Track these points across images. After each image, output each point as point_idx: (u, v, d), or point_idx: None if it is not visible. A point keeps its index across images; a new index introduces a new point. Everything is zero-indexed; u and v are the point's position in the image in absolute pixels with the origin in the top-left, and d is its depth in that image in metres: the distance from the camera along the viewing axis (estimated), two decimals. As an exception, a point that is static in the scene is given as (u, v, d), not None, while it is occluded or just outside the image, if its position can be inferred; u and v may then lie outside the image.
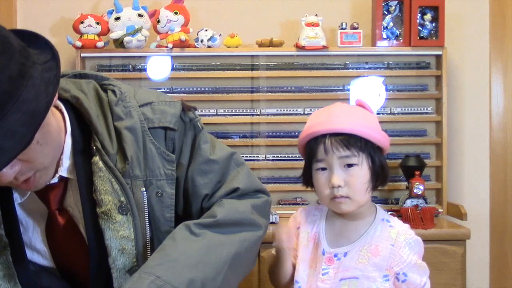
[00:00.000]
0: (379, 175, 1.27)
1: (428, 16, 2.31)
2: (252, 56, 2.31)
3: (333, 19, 2.34)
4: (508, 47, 2.47)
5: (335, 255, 1.26)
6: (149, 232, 1.15)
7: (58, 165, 1.11)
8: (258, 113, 2.31)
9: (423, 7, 2.32)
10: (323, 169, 1.25)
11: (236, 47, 2.29)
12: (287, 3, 2.45)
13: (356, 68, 2.33)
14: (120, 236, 1.11)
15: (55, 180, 1.12)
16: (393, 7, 2.34)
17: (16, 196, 1.16)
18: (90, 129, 1.12)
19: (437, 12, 2.31)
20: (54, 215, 1.15)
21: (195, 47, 2.28)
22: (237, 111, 2.30)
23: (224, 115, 2.30)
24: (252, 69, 2.31)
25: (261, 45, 2.30)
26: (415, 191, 2.14)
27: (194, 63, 2.29)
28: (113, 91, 1.19)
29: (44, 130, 1.00)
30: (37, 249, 1.19)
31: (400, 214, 2.07)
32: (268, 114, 2.31)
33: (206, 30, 2.27)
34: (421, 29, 2.32)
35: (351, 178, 1.23)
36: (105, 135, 1.12)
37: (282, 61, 2.31)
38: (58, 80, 0.96)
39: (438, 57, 2.32)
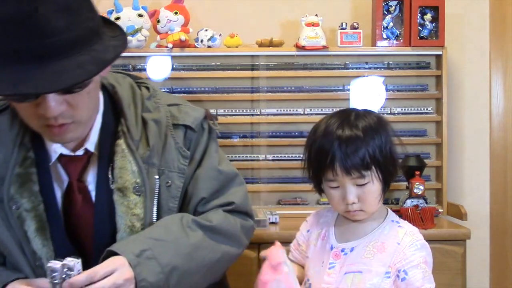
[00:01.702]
0: (390, 177, 1.28)
1: (428, 16, 2.31)
2: (252, 56, 2.31)
3: (333, 19, 2.34)
4: (508, 47, 2.47)
5: (342, 250, 1.29)
6: (155, 216, 1.23)
7: (85, 138, 1.22)
8: (258, 113, 2.31)
9: (423, 7, 2.32)
10: (336, 187, 1.26)
11: (236, 47, 2.29)
12: (287, 3, 2.45)
13: (356, 68, 2.33)
14: (132, 213, 1.20)
15: (81, 152, 1.22)
16: (393, 7, 2.34)
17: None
18: (119, 115, 1.25)
19: (437, 12, 2.31)
20: (73, 185, 1.23)
21: (195, 47, 2.27)
22: (237, 111, 2.30)
23: (224, 115, 2.29)
24: (252, 69, 2.31)
25: (261, 45, 2.30)
26: (415, 191, 2.13)
27: (194, 63, 2.29)
28: (147, 88, 1.34)
29: (94, 89, 1.14)
30: None
31: (400, 214, 2.07)
32: (268, 114, 2.31)
33: (206, 30, 2.27)
34: (421, 29, 2.32)
35: (364, 194, 1.25)
36: (133, 122, 1.25)
37: (282, 61, 2.31)
38: (121, 49, 1.10)
39: (438, 57, 2.32)
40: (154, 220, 1.23)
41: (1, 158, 1.20)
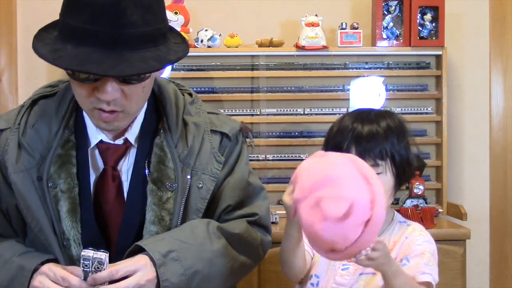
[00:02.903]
0: (403, 175, 1.28)
1: (428, 16, 2.32)
2: (252, 56, 2.31)
3: (333, 19, 2.34)
4: (508, 47, 2.47)
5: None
6: (181, 214, 1.27)
7: (127, 129, 1.27)
8: (258, 113, 2.31)
9: (423, 7, 2.32)
10: None
11: (236, 47, 2.29)
12: (287, 3, 2.45)
13: (356, 68, 2.33)
14: (163, 207, 1.25)
15: (121, 141, 1.28)
16: (393, 7, 2.34)
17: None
18: (162, 115, 1.31)
19: (437, 12, 2.31)
20: (107, 171, 1.27)
21: (195, 47, 2.27)
22: (237, 111, 2.30)
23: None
24: (252, 69, 2.31)
25: (261, 45, 2.30)
26: (415, 191, 2.14)
27: (194, 63, 2.29)
28: (190, 94, 1.41)
29: (149, 85, 1.21)
30: None
31: (400, 214, 2.07)
32: (268, 114, 2.31)
33: (206, 30, 2.27)
34: (421, 29, 2.32)
35: None
36: (174, 121, 1.31)
37: (282, 61, 2.31)
38: (183, 54, 1.23)
39: (438, 57, 2.32)
40: (180, 217, 1.27)
41: (45, 140, 1.26)
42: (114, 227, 1.26)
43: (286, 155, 2.32)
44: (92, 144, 1.28)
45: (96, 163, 1.29)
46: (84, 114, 1.27)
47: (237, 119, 2.26)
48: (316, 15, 2.27)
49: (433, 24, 2.32)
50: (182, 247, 1.19)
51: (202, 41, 2.26)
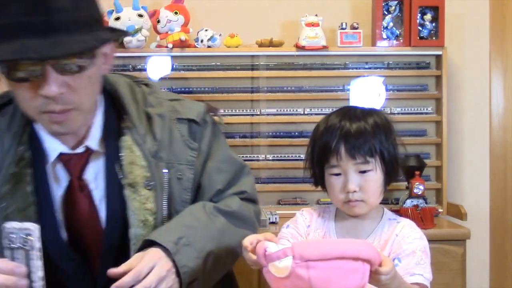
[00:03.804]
0: (392, 172, 1.28)
1: (428, 16, 2.32)
2: (252, 56, 2.31)
3: (333, 19, 2.34)
4: (508, 47, 2.47)
5: None
6: (166, 210, 1.24)
7: (85, 135, 1.21)
8: (258, 113, 2.31)
9: (423, 7, 2.32)
10: (338, 174, 1.26)
11: (236, 47, 2.29)
12: (287, 3, 2.45)
13: (356, 68, 2.33)
14: (144, 208, 1.20)
15: (81, 149, 1.21)
16: (393, 7, 2.34)
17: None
18: (121, 113, 1.25)
19: (437, 12, 2.31)
20: (73, 183, 1.21)
21: (195, 47, 2.28)
22: (237, 111, 2.30)
23: (224, 115, 2.29)
24: (252, 69, 2.31)
25: (261, 45, 2.30)
26: (415, 191, 2.14)
27: (194, 63, 2.29)
28: (146, 84, 1.35)
29: (95, 76, 1.14)
30: None
31: (400, 214, 2.07)
32: (268, 114, 2.31)
33: (206, 30, 2.27)
34: (421, 29, 2.32)
35: (366, 183, 1.24)
36: (136, 117, 1.25)
37: (282, 61, 2.31)
38: (121, 34, 1.22)
39: (438, 57, 2.32)
40: (165, 213, 1.24)
41: None
42: (93, 238, 1.22)
43: (286, 155, 2.32)
44: (52, 158, 1.20)
45: (59, 177, 1.22)
46: (39, 127, 1.19)
47: (237, 119, 2.30)
48: (316, 15, 2.27)
49: (433, 24, 2.32)
50: (190, 232, 1.18)
51: (202, 41, 2.26)
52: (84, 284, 1.22)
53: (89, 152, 1.22)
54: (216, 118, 1.39)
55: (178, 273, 1.13)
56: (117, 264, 1.09)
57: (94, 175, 1.22)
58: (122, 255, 1.18)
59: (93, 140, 1.21)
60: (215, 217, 1.25)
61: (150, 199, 1.21)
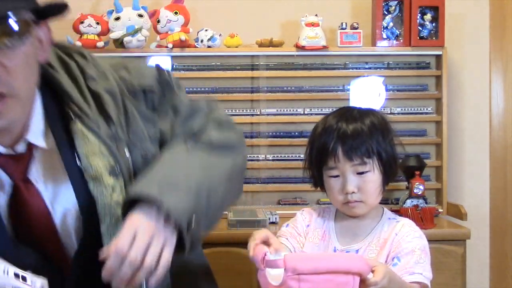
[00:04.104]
0: (390, 172, 1.28)
1: (428, 16, 2.32)
2: (252, 56, 2.31)
3: (333, 19, 2.34)
4: (508, 47, 2.47)
5: (347, 252, 1.28)
6: None
7: (24, 130, 1.03)
8: (258, 113, 2.31)
9: (423, 7, 2.32)
10: (336, 176, 1.26)
11: (236, 47, 2.29)
12: (287, 3, 2.45)
13: (356, 68, 2.33)
14: (114, 202, 1.04)
15: (23, 147, 1.04)
16: (393, 7, 2.34)
17: None
18: (62, 98, 1.06)
19: (437, 12, 2.31)
20: (20, 187, 1.05)
21: (195, 47, 2.27)
22: (237, 111, 2.30)
23: (224, 115, 2.30)
24: (252, 69, 2.31)
25: (261, 45, 2.30)
26: (415, 191, 2.14)
27: (194, 63, 2.29)
28: (81, 54, 1.13)
29: (32, 56, 1.00)
30: None
31: (400, 214, 2.07)
32: (268, 114, 2.31)
33: (206, 30, 2.27)
34: (421, 29, 2.32)
35: (364, 183, 1.25)
36: (80, 99, 1.06)
37: (282, 61, 2.31)
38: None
39: (438, 57, 2.32)
40: None
41: None
42: (53, 241, 1.07)
43: (286, 155, 2.32)
44: None
45: (1, 181, 1.05)
46: None
47: (237, 119, 2.29)
48: (316, 15, 2.27)
49: (433, 24, 2.32)
50: (171, 173, 1.03)
51: (202, 41, 2.26)
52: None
53: (31, 148, 1.05)
54: (167, 75, 1.21)
55: (172, 222, 0.98)
56: (93, 264, 0.98)
57: (42, 173, 1.06)
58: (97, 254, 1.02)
59: (36, 134, 1.04)
60: (194, 151, 1.10)
61: (117, 189, 1.05)
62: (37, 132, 1.04)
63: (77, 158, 1.06)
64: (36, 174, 1.06)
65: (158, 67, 1.20)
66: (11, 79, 0.95)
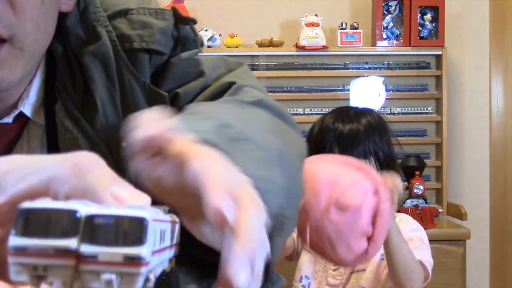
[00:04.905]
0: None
1: (428, 16, 2.32)
2: (252, 56, 2.31)
3: (333, 19, 2.34)
4: (508, 47, 2.47)
5: None
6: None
7: (20, 97, 0.73)
8: (258, 113, 2.31)
9: (423, 7, 2.32)
10: None
11: (236, 47, 2.29)
12: (287, 3, 2.45)
13: (356, 68, 2.33)
14: None
15: (9, 119, 0.74)
16: (393, 7, 2.34)
17: None
18: (51, 63, 0.75)
19: (437, 12, 2.31)
20: None
21: (195, 47, 2.27)
22: (237, 111, 2.30)
23: (224, 115, 2.30)
24: (252, 69, 2.30)
25: (261, 45, 2.30)
26: (415, 191, 2.14)
27: (194, 63, 2.29)
28: None
29: (50, 4, 0.67)
30: None
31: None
32: (268, 114, 2.31)
33: (206, 30, 2.27)
34: (421, 29, 2.32)
35: None
36: (65, 69, 0.73)
37: (282, 61, 2.31)
38: None
39: (438, 57, 2.32)
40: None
41: None
42: None
43: (286, 155, 2.31)
44: None
45: None
46: None
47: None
48: (316, 15, 2.27)
49: (433, 24, 2.32)
50: (235, 120, 0.56)
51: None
52: None
53: (21, 121, 0.75)
54: (190, 31, 0.80)
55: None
56: None
57: (30, 152, 0.75)
58: None
59: (29, 105, 0.74)
60: (250, 108, 0.68)
61: None
62: (30, 103, 0.73)
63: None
64: (23, 151, 0.76)
65: (177, 15, 0.81)
66: (17, 21, 0.64)
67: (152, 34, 0.76)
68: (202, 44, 0.81)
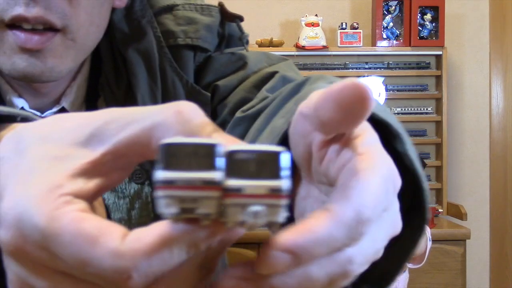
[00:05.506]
0: None
1: (428, 16, 2.32)
2: (252, 56, 2.31)
3: (333, 19, 2.34)
4: (508, 47, 2.47)
5: None
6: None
7: (64, 92, 0.71)
8: (258, 113, 2.31)
9: (423, 7, 2.32)
10: None
11: (236, 47, 2.29)
12: (287, 3, 2.45)
13: (356, 68, 2.33)
14: (129, 215, 0.73)
15: (51, 114, 0.70)
16: (393, 7, 2.34)
17: None
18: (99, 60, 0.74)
19: (437, 12, 2.31)
20: None
21: (195, 47, 2.28)
22: (237, 111, 2.30)
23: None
24: (252, 69, 2.31)
25: (261, 45, 2.30)
26: (415, 191, 2.14)
27: (194, 63, 2.29)
28: None
29: None
30: None
31: (400, 214, 2.08)
32: (268, 114, 2.31)
33: (206, 30, 2.28)
34: (421, 29, 2.32)
35: None
36: (110, 65, 0.72)
37: (282, 61, 2.31)
38: None
39: (438, 57, 2.32)
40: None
41: None
42: None
43: (286, 155, 2.32)
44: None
45: None
46: None
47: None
48: (316, 15, 2.27)
49: (433, 24, 2.32)
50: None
51: (202, 41, 2.26)
52: None
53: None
54: (237, 29, 0.79)
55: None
56: None
57: None
58: None
59: (71, 100, 0.71)
60: None
61: (137, 198, 0.73)
62: (70, 99, 0.70)
63: None
64: None
65: (224, 11, 0.78)
66: (72, 11, 0.61)
67: (197, 30, 0.74)
68: (247, 42, 0.79)
